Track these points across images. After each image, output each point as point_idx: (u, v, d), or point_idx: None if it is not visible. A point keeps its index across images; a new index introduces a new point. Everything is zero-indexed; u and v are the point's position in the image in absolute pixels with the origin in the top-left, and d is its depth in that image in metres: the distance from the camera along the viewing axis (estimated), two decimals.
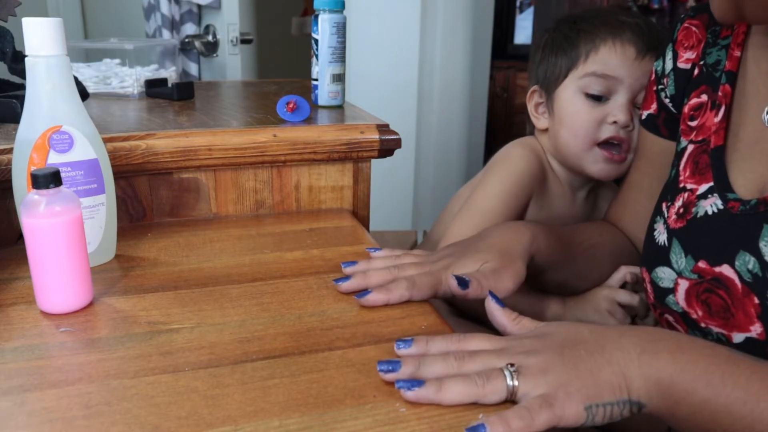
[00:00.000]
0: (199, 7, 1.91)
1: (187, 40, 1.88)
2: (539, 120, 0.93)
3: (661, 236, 0.66)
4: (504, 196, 0.88)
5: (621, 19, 0.84)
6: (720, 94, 0.64)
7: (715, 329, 0.59)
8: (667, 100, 0.73)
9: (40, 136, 0.62)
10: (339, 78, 0.99)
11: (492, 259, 0.63)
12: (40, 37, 0.60)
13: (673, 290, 0.63)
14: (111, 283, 0.64)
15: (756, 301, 0.55)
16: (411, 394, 0.45)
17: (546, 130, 0.93)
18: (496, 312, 0.55)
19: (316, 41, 0.97)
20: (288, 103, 0.88)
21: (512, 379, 0.45)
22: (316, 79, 0.99)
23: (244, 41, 1.91)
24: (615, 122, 0.84)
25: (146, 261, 0.70)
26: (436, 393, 0.45)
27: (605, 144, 0.86)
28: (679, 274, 0.63)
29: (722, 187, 0.61)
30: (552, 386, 0.44)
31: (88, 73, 1.17)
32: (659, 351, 0.46)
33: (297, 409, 0.44)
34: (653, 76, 0.75)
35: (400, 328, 0.56)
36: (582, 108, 0.85)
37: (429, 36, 2.49)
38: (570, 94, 0.86)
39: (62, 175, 0.58)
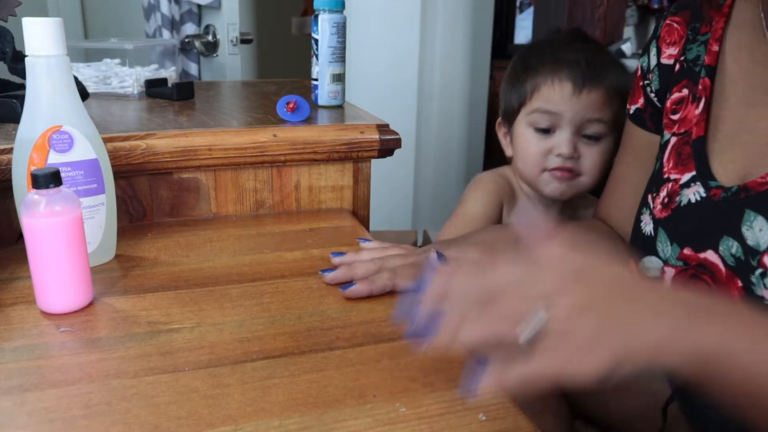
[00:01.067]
0: (199, 7, 1.91)
1: (187, 40, 1.88)
2: (507, 148, 1.02)
3: (648, 226, 0.68)
4: (484, 202, 0.98)
5: (560, 56, 0.91)
6: (700, 87, 0.67)
7: None
8: (652, 95, 0.75)
9: (40, 136, 0.62)
10: (339, 78, 0.99)
11: (476, 252, 0.64)
12: (40, 37, 0.60)
13: (659, 279, 0.65)
14: (111, 283, 0.64)
15: (739, 284, 0.57)
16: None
17: (511, 157, 1.01)
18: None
19: (316, 41, 0.97)
20: (288, 103, 0.88)
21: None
22: (316, 79, 0.99)
23: (244, 41, 1.91)
24: (559, 155, 0.91)
25: (146, 261, 0.70)
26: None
27: (554, 168, 0.93)
28: (666, 262, 0.64)
29: (704, 175, 0.63)
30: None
31: (88, 73, 1.17)
32: (714, 314, 0.41)
33: (297, 409, 0.44)
34: (639, 72, 0.77)
35: (400, 327, 0.56)
36: (531, 141, 0.93)
37: (429, 36, 2.49)
38: (522, 128, 0.94)
39: (62, 174, 0.58)
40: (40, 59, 0.61)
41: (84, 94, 0.94)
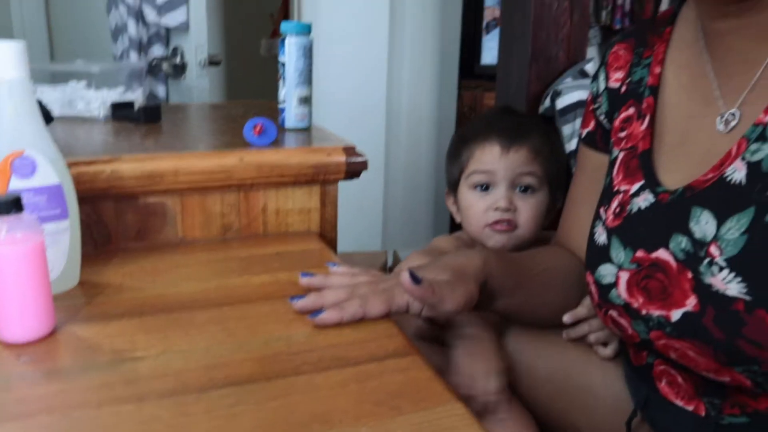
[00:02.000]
0: (167, 29, 1.90)
1: (154, 62, 1.88)
2: (456, 215, 1.11)
3: (601, 237, 0.72)
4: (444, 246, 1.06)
5: (489, 125, 1.04)
6: (645, 105, 0.72)
7: (656, 312, 0.64)
8: (602, 117, 0.80)
9: (1, 161, 0.61)
10: (306, 100, 1.00)
11: (447, 277, 0.66)
12: (2, 61, 0.60)
13: (614, 284, 0.68)
14: (74, 311, 0.63)
15: (689, 275, 0.61)
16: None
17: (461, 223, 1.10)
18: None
19: (283, 64, 0.98)
20: (255, 126, 0.88)
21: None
22: (283, 102, 1.00)
23: (212, 63, 1.91)
24: (497, 208, 1.00)
25: (111, 287, 0.69)
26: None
27: (494, 223, 1.01)
28: (620, 267, 0.68)
29: (652, 183, 0.68)
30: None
31: (53, 96, 1.16)
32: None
33: None
34: (589, 97, 0.83)
35: (366, 351, 0.56)
36: (472, 199, 1.03)
37: (396, 57, 2.52)
38: (464, 190, 1.05)
39: (24, 200, 0.57)
40: (1, 83, 0.60)
41: (48, 117, 0.94)
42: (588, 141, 0.83)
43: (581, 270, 0.85)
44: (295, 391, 0.50)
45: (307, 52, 0.98)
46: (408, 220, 2.76)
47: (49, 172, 0.64)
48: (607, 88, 0.79)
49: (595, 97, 0.82)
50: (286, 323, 0.61)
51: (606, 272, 0.70)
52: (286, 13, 3.09)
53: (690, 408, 0.68)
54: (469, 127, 1.09)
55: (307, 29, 0.97)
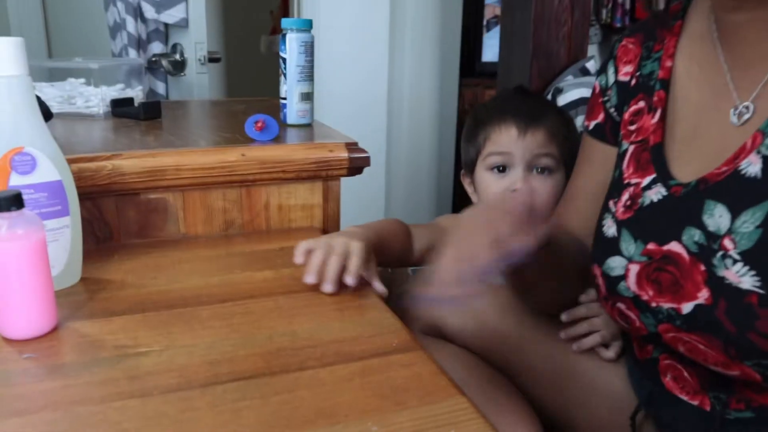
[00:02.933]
0: (166, 26, 1.90)
1: (154, 59, 1.87)
2: (472, 196, 1.10)
3: (610, 229, 0.71)
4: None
5: (504, 108, 1.03)
6: (656, 99, 0.72)
7: (666, 305, 0.63)
8: (612, 110, 0.80)
9: (1, 158, 0.61)
10: (307, 97, 1.00)
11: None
12: (0, 57, 0.59)
13: (623, 276, 0.68)
14: (76, 307, 0.63)
15: (702, 268, 0.61)
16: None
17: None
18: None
19: (284, 60, 0.97)
20: (256, 122, 0.88)
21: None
22: (285, 98, 0.99)
23: (212, 60, 1.90)
24: (515, 190, 0.98)
25: (113, 283, 0.69)
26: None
27: None
28: (630, 260, 0.68)
29: (664, 176, 0.67)
30: None
31: (52, 93, 1.15)
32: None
33: (268, 431, 0.44)
34: (597, 89, 0.82)
35: (371, 346, 0.56)
36: (490, 181, 1.02)
37: (397, 54, 2.51)
38: (481, 172, 1.03)
39: (25, 197, 0.57)
40: (0, 80, 0.60)
41: (47, 114, 0.93)
42: (596, 133, 0.82)
43: (587, 260, 0.84)
44: (300, 386, 0.49)
45: (309, 49, 0.97)
46: (410, 218, 2.75)
47: (49, 168, 0.64)
48: (616, 81, 0.79)
49: (603, 90, 0.81)
50: (289, 318, 0.61)
51: (615, 264, 0.69)
52: (285, 10, 3.08)
53: (695, 403, 0.68)
54: (484, 109, 1.08)
55: (308, 25, 0.97)
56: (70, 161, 0.68)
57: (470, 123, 1.09)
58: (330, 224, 0.91)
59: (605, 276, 0.70)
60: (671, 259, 0.63)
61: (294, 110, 0.99)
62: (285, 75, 0.98)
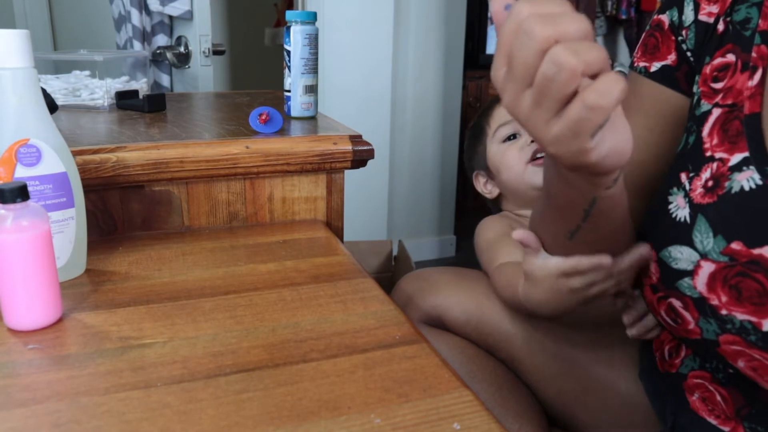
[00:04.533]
0: (171, 18, 1.89)
1: (158, 51, 1.87)
2: (491, 191, 1.08)
3: (681, 211, 0.58)
4: (499, 225, 0.98)
5: None
6: (754, 55, 0.57)
7: (741, 316, 0.53)
8: (688, 53, 0.64)
9: (6, 150, 0.61)
10: (312, 89, 1.00)
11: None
12: (6, 50, 0.59)
13: (691, 273, 0.56)
14: (81, 299, 0.63)
15: None
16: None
17: (500, 195, 1.07)
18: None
19: (289, 53, 0.97)
20: (260, 115, 0.88)
21: None
22: (289, 91, 0.99)
23: (216, 52, 1.90)
24: (533, 142, 0.98)
25: (117, 275, 0.69)
26: None
27: (533, 159, 0.99)
28: (704, 256, 0.55)
29: (760, 158, 0.54)
30: None
31: (57, 85, 1.15)
32: None
33: (271, 423, 0.44)
34: (666, 25, 0.66)
35: (374, 338, 0.56)
36: (506, 150, 1.01)
37: (402, 47, 2.51)
38: (495, 147, 1.03)
39: (30, 189, 0.57)
40: (6, 72, 0.60)
41: (52, 106, 0.93)
42: (662, 77, 0.66)
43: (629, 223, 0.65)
44: (303, 378, 0.50)
45: (313, 41, 0.97)
46: (413, 210, 2.76)
47: (54, 160, 0.64)
48: (696, 20, 0.63)
49: (677, 27, 0.65)
50: (292, 311, 0.61)
51: (681, 256, 0.57)
52: (290, 3, 3.08)
53: (726, 429, 0.61)
54: (483, 108, 1.10)
55: (312, 17, 0.97)
56: (75, 153, 0.69)
57: (472, 125, 1.11)
58: (334, 217, 0.91)
59: (663, 264, 0.59)
60: (762, 266, 0.51)
61: (298, 103, 0.99)
62: (289, 67, 0.98)
